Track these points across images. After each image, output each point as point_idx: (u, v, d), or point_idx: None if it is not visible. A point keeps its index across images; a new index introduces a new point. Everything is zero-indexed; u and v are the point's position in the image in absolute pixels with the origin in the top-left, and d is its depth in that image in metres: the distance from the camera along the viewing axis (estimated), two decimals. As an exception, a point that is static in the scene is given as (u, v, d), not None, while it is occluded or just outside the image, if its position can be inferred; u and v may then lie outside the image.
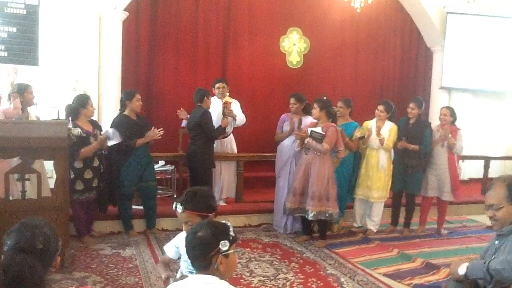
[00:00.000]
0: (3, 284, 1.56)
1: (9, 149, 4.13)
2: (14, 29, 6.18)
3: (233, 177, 6.47)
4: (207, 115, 5.62)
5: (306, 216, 5.27)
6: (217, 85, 6.24)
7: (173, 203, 2.59)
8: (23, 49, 6.24)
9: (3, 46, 6.14)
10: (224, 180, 6.37)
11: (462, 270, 2.60)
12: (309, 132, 5.22)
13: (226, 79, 6.68)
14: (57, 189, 4.29)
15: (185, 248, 2.05)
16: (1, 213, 3.94)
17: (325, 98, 5.42)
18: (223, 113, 5.97)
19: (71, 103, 5.02)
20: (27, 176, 4.23)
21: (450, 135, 5.70)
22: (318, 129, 5.17)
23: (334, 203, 5.20)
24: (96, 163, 5.00)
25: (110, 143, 5.13)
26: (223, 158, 6.33)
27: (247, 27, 7.94)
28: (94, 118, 6.41)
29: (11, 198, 4.17)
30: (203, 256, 1.95)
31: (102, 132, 5.15)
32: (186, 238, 2.04)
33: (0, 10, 6.11)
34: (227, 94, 6.26)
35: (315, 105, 5.30)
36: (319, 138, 5.13)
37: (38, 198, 4.26)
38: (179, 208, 2.51)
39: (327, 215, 5.17)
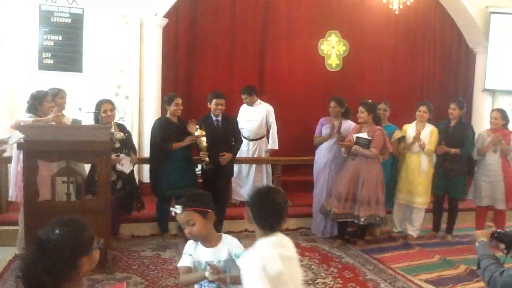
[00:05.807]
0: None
1: (55, 152, 4.29)
2: (60, 37, 6.36)
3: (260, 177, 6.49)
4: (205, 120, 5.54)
5: (356, 221, 5.21)
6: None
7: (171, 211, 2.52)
8: (68, 56, 6.42)
9: (49, 54, 6.34)
10: (257, 182, 6.37)
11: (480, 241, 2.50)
12: (354, 138, 5.17)
13: (262, 82, 6.63)
14: (100, 192, 4.42)
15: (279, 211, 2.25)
16: (46, 214, 4.03)
17: (370, 101, 5.37)
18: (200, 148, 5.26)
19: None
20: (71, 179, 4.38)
21: (503, 141, 5.45)
22: (364, 135, 5.11)
23: (383, 206, 5.20)
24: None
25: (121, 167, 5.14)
26: (260, 162, 6.35)
27: (285, 30, 7.92)
28: (136, 122, 6.62)
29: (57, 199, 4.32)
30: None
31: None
32: (274, 200, 2.25)
33: (47, 19, 6.31)
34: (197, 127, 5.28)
35: (362, 109, 5.22)
36: (366, 144, 5.07)
37: (81, 200, 4.40)
38: (178, 209, 2.46)
39: (377, 218, 5.15)
